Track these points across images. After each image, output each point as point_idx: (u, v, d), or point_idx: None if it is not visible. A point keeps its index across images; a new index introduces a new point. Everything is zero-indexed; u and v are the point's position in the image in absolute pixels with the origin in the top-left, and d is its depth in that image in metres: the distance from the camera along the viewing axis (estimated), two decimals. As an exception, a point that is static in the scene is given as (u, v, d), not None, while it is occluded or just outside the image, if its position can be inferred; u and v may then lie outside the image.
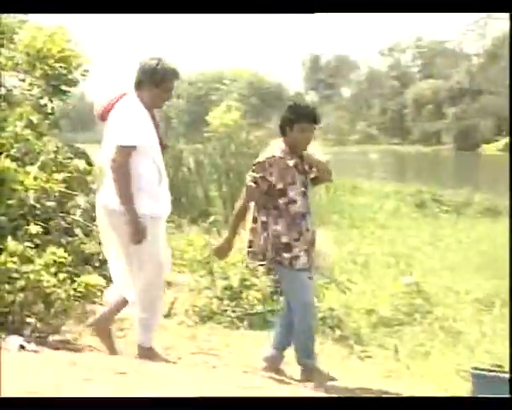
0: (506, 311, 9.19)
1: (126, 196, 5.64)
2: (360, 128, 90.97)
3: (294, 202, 6.07)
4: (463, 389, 6.48)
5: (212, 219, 13.35)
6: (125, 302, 6.09)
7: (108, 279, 6.45)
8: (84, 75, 8.80)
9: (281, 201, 6.06)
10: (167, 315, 8.09)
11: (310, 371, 6.21)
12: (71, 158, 8.11)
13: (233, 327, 7.96)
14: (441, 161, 58.95)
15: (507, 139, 69.92)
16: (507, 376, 6.42)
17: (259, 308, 8.53)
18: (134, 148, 5.68)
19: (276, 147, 6.15)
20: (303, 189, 6.14)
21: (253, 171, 6.08)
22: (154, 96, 5.87)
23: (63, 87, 8.73)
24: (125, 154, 5.65)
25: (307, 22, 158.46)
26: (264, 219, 6.12)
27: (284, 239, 6.02)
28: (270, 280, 8.68)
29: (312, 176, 6.35)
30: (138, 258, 5.81)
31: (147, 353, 5.99)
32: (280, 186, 6.04)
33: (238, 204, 6.28)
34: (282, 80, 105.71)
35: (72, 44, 8.67)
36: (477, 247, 13.10)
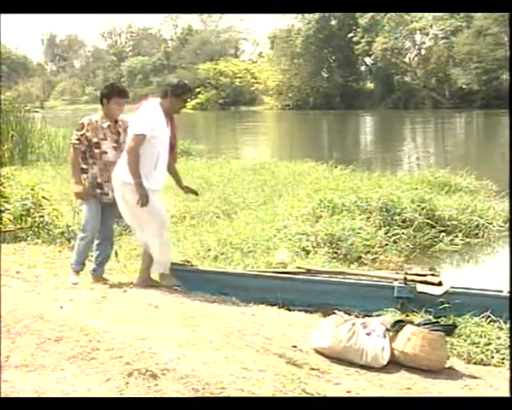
0: (194, 222, 9.44)
1: (135, 172, 5.67)
2: (88, 91, 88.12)
3: (106, 153, 6.09)
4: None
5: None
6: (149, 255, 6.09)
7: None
8: None
9: (96, 151, 6.07)
10: None
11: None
12: None
13: (-10, 242, 7.50)
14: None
15: (195, 101, 71.46)
16: (197, 267, 6.63)
17: (11, 227, 8.24)
18: (144, 137, 5.69)
19: (97, 114, 6.17)
20: (114, 144, 6.13)
21: (77, 130, 6.12)
22: (174, 104, 5.95)
23: None
24: (138, 140, 5.68)
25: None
26: (84, 166, 6.13)
27: (98, 180, 6.06)
28: (20, 206, 8.34)
29: None
30: (143, 217, 5.86)
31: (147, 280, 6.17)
32: (95, 140, 6.05)
33: (71, 157, 6.20)
34: (26, 53, 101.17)
35: None
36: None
